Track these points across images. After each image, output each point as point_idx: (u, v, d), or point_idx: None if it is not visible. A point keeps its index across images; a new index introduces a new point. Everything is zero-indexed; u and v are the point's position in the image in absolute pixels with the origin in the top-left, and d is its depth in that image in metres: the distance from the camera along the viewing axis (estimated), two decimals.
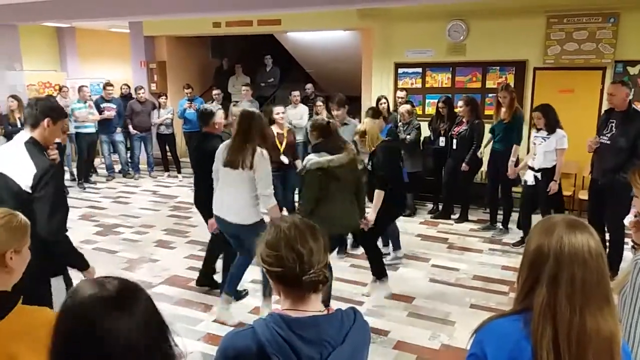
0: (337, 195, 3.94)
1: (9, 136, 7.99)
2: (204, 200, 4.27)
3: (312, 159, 3.90)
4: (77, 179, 9.05)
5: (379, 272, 4.66)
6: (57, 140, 8.53)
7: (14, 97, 8.07)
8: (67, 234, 2.82)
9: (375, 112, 5.73)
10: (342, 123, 5.94)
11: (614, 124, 4.80)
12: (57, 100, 8.76)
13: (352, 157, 3.99)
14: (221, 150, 3.94)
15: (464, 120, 6.60)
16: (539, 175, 5.57)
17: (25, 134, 2.78)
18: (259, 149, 3.81)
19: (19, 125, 8.00)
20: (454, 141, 6.67)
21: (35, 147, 2.72)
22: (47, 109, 2.82)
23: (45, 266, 2.65)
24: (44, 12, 8.07)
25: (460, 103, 6.64)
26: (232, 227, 3.96)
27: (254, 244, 1.51)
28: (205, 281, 4.84)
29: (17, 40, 8.65)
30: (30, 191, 2.61)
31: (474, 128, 6.46)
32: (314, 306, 1.44)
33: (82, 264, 2.89)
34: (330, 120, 4.18)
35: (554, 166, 5.45)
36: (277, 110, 5.92)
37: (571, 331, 1.25)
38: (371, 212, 4.42)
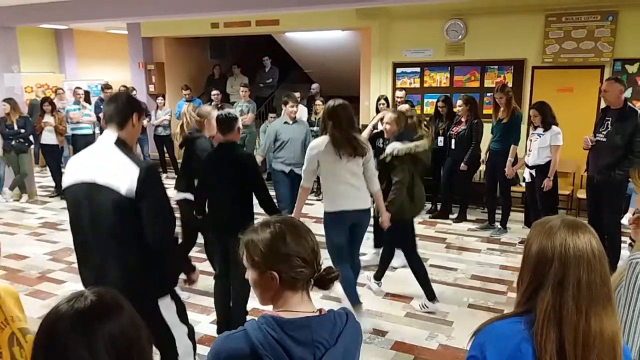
0: (417, 178, 4.30)
1: (6, 137, 8.00)
2: (235, 219, 3.64)
3: (397, 146, 4.18)
4: None
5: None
6: (55, 142, 8.54)
7: (7, 100, 8.05)
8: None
9: None
10: (293, 120, 6.11)
11: (609, 122, 4.80)
12: (55, 102, 8.79)
13: (431, 143, 4.41)
14: (322, 146, 3.79)
15: (462, 119, 6.58)
16: (533, 172, 5.60)
17: (110, 135, 2.44)
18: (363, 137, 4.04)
19: (15, 127, 8.00)
20: (453, 141, 6.66)
21: (125, 147, 2.42)
22: (134, 103, 2.54)
23: (149, 285, 2.42)
24: (42, 14, 8.07)
25: (459, 102, 6.64)
26: (358, 216, 3.95)
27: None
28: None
29: (15, 42, 8.64)
30: (133, 197, 2.28)
31: (472, 128, 6.46)
32: (306, 307, 1.43)
33: (189, 268, 2.68)
34: (408, 112, 4.50)
35: (548, 163, 5.47)
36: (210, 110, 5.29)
37: (577, 334, 1.24)
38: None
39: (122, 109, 2.45)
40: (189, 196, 4.34)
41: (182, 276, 2.73)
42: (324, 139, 3.86)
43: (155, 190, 2.36)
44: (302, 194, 4.06)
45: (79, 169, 2.43)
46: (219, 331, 4.17)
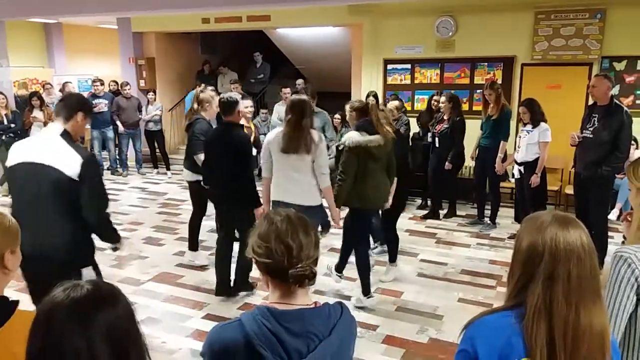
0: (371, 173, 4.18)
1: None
2: (235, 193, 4.24)
3: (353, 137, 4.10)
4: None
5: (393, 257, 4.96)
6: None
7: (2, 93, 8.00)
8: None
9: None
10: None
11: (596, 118, 4.86)
12: (43, 96, 8.72)
13: (388, 139, 4.21)
14: (273, 138, 3.99)
15: (445, 117, 6.60)
16: (522, 168, 5.67)
17: (57, 127, 2.81)
18: (314, 132, 3.97)
19: (5, 122, 7.94)
20: (436, 139, 6.68)
21: (70, 138, 2.79)
22: (82, 104, 2.93)
23: (74, 257, 2.79)
24: (31, 7, 8.00)
25: (442, 99, 6.68)
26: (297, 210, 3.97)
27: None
28: (224, 290, 4.56)
29: (3, 36, 8.57)
30: (77, 179, 2.68)
31: (454, 126, 6.47)
32: (301, 300, 1.46)
33: (117, 239, 3.11)
34: (368, 102, 4.38)
35: (536, 159, 5.54)
36: (246, 103, 5.69)
37: (567, 327, 1.26)
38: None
39: (69, 106, 2.85)
40: (196, 177, 4.91)
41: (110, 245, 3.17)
42: (277, 131, 4.02)
43: (94, 176, 2.80)
44: (264, 184, 4.18)
45: (25, 151, 2.79)
46: (216, 292, 4.56)
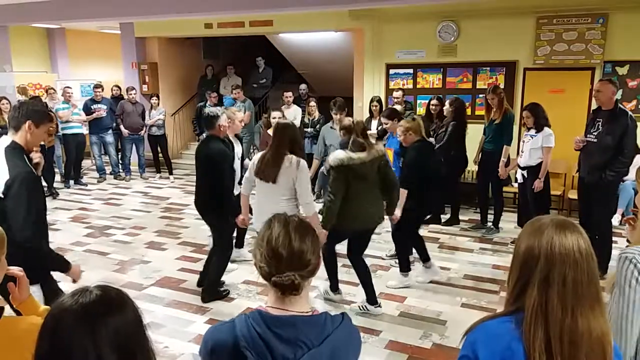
0: (360, 192, 4.06)
1: None
2: (207, 202, 4.52)
3: (337, 155, 4.04)
4: (65, 180, 9.00)
5: (404, 266, 4.87)
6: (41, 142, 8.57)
7: (6, 98, 8.04)
8: (51, 236, 2.86)
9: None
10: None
11: (600, 123, 4.85)
12: (46, 102, 8.75)
13: (375, 156, 4.10)
14: (255, 160, 4.07)
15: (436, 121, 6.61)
16: (525, 173, 5.66)
17: (6, 140, 2.71)
18: (294, 158, 3.90)
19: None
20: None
21: (14, 152, 2.67)
22: (30, 112, 2.75)
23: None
24: (34, 13, 8.04)
25: (434, 102, 6.78)
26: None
27: None
28: (201, 282, 4.87)
29: (7, 42, 8.61)
30: (2, 196, 2.59)
31: (447, 130, 6.41)
32: (298, 306, 1.45)
33: (62, 267, 2.84)
34: (355, 121, 4.35)
35: (540, 164, 5.53)
36: (275, 115, 6.04)
37: (563, 331, 1.26)
38: (397, 210, 4.53)
39: (17, 115, 2.73)
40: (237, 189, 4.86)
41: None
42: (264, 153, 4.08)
43: (18, 195, 2.59)
44: (242, 200, 4.29)
45: None
46: (197, 284, 4.86)
